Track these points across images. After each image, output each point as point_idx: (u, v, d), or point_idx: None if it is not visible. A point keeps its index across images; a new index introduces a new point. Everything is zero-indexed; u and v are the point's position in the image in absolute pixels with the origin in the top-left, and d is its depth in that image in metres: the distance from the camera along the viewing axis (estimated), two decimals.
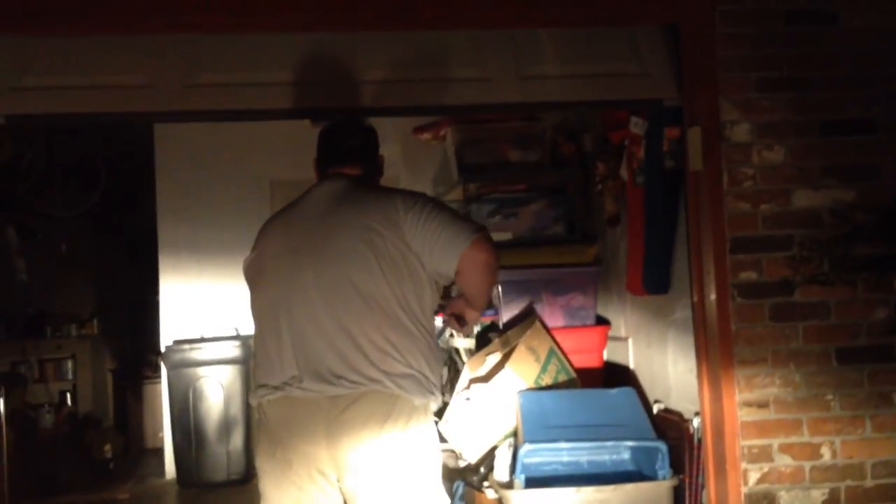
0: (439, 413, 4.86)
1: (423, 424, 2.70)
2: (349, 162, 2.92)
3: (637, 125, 4.07)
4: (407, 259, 2.67)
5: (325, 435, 2.62)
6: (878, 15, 3.42)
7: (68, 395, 7.84)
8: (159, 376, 7.20)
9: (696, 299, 3.48)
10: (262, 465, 2.73)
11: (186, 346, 6.46)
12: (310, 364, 2.64)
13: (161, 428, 7.10)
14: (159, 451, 7.13)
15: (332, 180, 2.88)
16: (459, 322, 2.99)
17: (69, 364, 7.97)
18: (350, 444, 2.61)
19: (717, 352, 3.36)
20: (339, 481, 2.68)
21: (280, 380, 2.68)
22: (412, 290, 2.68)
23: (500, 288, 4.75)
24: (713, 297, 3.36)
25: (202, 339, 6.55)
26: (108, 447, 7.17)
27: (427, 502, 2.70)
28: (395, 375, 2.62)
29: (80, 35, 3.33)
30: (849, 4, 3.41)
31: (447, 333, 5.58)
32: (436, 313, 2.87)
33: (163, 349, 6.65)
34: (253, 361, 2.82)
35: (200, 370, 6.40)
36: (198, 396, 6.38)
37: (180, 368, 6.42)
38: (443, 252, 2.66)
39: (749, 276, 3.36)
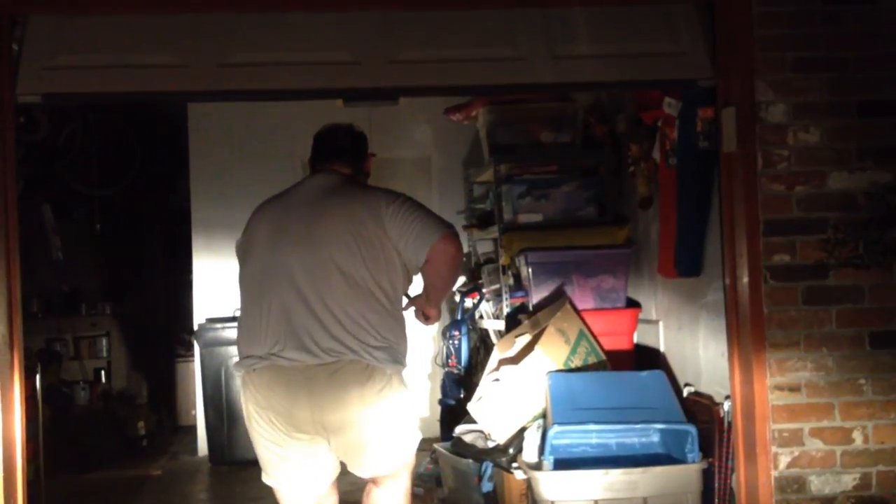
0: (468, 394, 4.88)
1: (396, 391, 3.02)
2: (340, 160, 3.21)
3: (670, 106, 4.03)
4: (385, 248, 3.00)
5: (308, 400, 2.93)
6: None
7: (103, 373, 7.91)
8: (192, 354, 7.25)
9: (728, 282, 3.45)
10: (252, 427, 3.03)
11: (219, 325, 6.49)
12: (293, 336, 2.94)
13: (194, 406, 7.16)
14: (192, 429, 7.20)
15: (324, 174, 3.19)
16: (424, 317, 3.31)
17: (104, 342, 8.03)
18: (330, 409, 2.92)
19: (748, 335, 3.34)
20: (322, 440, 2.99)
21: (265, 350, 2.97)
22: (386, 275, 3.00)
23: (530, 269, 4.75)
24: (746, 279, 3.34)
25: (235, 318, 6.57)
26: (141, 424, 7.25)
27: (399, 436, 3.06)
28: (370, 347, 2.95)
29: (115, 14, 3.36)
30: None
31: (477, 315, 5.59)
32: (404, 308, 3.20)
33: (196, 328, 6.71)
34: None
35: (233, 349, 6.39)
36: (230, 375, 6.41)
37: (213, 347, 6.47)
38: (416, 242, 2.99)
39: (782, 258, 3.33)
